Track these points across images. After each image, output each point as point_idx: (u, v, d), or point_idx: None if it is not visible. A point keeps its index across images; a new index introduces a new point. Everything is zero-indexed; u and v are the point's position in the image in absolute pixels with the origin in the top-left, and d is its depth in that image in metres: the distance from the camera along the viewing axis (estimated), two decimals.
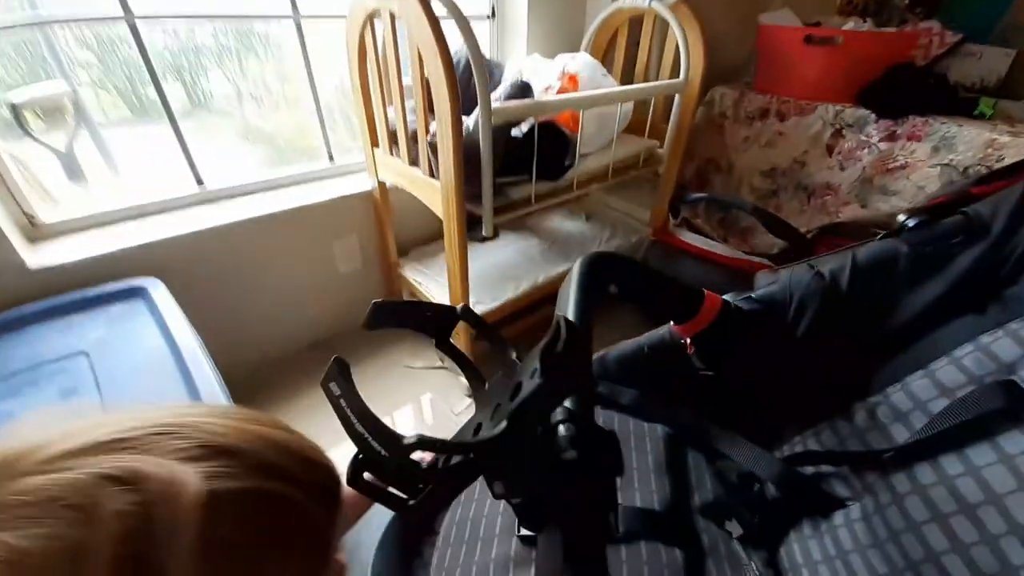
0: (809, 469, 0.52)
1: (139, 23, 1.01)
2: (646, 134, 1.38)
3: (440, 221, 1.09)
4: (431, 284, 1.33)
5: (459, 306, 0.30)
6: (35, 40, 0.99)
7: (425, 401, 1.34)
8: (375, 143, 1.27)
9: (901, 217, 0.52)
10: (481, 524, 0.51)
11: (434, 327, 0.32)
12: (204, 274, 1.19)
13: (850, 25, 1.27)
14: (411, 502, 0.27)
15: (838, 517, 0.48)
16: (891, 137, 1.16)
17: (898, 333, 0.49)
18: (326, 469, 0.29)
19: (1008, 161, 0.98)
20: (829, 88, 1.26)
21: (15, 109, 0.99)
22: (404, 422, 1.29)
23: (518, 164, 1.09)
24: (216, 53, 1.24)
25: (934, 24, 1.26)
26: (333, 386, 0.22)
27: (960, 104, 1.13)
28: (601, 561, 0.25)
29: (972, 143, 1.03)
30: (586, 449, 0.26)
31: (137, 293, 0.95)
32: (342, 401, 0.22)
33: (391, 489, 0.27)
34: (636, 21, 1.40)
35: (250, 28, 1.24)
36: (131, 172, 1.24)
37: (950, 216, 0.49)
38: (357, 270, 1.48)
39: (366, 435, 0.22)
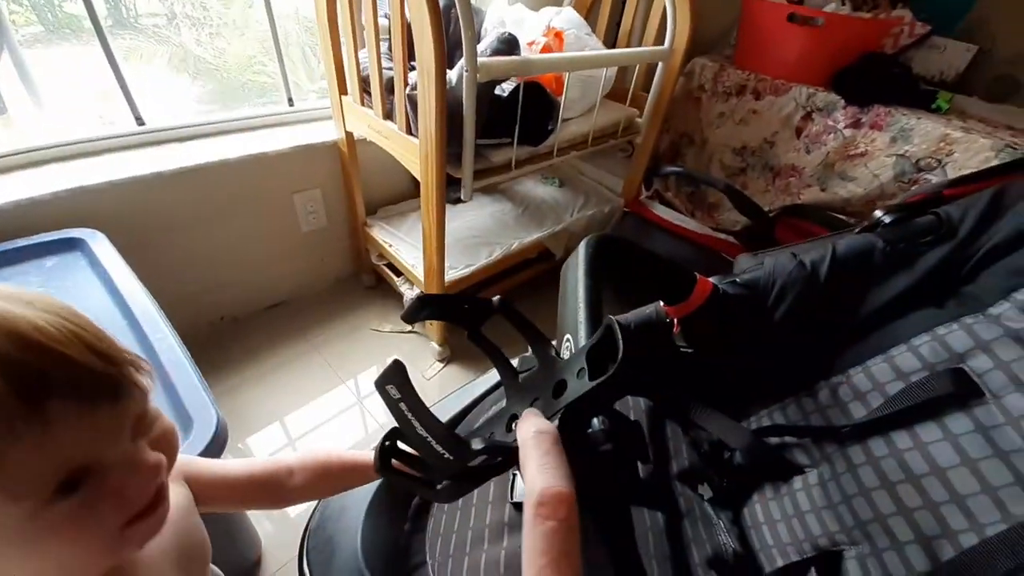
0: (774, 440, 0.57)
1: None
2: (627, 102, 1.36)
3: (412, 180, 1.04)
4: (402, 247, 1.28)
5: (496, 299, 0.30)
6: None
7: None
8: (343, 90, 1.17)
9: (878, 213, 0.55)
10: (474, 490, 0.52)
11: (469, 320, 0.31)
12: (150, 227, 1.08)
13: (831, 7, 1.28)
14: (439, 487, 0.27)
15: (797, 482, 0.53)
16: (856, 124, 1.22)
17: (864, 321, 0.54)
18: (26, 343, 0.23)
19: (957, 156, 1.06)
20: (805, 69, 1.28)
21: None
22: (369, 385, 1.28)
23: (499, 126, 1.05)
24: None
25: (906, 13, 1.30)
26: (391, 389, 0.21)
27: (920, 96, 1.19)
28: (632, 544, 0.27)
29: (927, 136, 1.10)
30: (619, 441, 0.27)
31: (74, 245, 0.85)
32: (402, 405, 0.21)
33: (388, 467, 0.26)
34: None
35: None
36: (57, 104, 1.08)
37: (923, 215, 0.52)
38: (320, 228, 1.40)
39: (429, 439, 0.22)
